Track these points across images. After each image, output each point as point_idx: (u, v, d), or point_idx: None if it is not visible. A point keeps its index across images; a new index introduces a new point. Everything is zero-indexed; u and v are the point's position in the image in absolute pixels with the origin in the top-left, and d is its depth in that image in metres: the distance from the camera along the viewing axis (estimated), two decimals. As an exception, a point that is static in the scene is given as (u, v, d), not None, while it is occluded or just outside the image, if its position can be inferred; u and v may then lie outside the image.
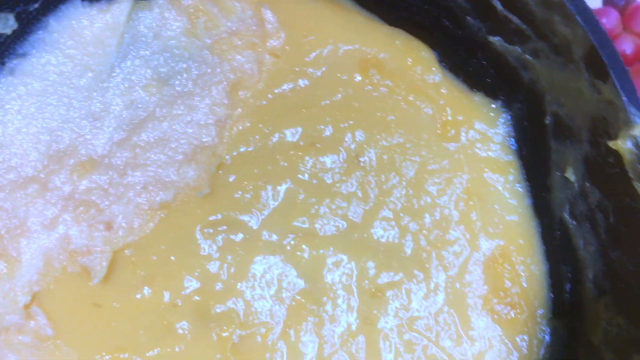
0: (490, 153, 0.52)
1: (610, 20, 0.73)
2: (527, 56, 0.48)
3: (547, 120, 0.50)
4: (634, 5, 0.73)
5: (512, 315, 0.50)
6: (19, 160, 0.47)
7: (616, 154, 0.45)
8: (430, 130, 0.49)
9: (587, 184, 0.49)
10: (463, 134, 0.51)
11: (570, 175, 0.50)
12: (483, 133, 0.51)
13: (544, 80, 0.48)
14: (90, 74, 0.48)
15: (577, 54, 0.44)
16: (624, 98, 0.42)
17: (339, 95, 0.50)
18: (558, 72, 0.47)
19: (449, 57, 0.55)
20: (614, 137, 0.44)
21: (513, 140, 0.53)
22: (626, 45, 0.72)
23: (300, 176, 0.49)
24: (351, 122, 0.49)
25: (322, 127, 0.49)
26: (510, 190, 0.52)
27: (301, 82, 0.49)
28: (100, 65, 0.48)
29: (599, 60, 0.42)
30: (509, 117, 0.53)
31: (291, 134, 0.49)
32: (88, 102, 0.48)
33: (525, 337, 0.51)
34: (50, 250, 0.47)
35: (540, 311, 0.53)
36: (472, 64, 0.53)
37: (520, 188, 0.52)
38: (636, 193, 0.44)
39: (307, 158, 0.49)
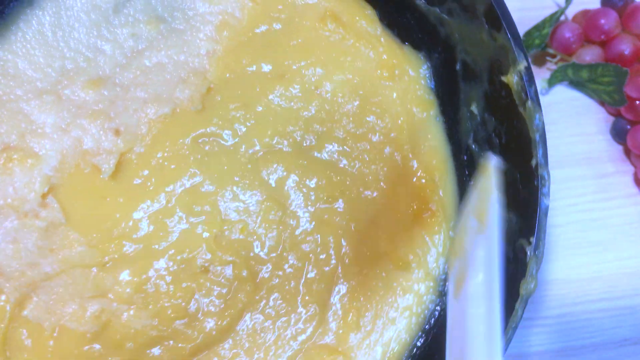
0: (417, 92, 0.66)
1: (608, 21, 0.73)
2: (444, 15, 0.63)
3: (457, 66, 0.65)
4: (632, 5, 0.74)
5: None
6: (35, 74, 0.56)
7: (507, 87, 0.60)
8: (373, 70, 0.63)
9: (486, 115, 0.64)
10: (397, 76, 0.65)
11: (474, 109, 0.65)
12: (411, 76, 0.66)
13: (456, 34, 0.63)
14: (97, 11, 0.57)
15: (479, 10, 0.59)
16: (512, 42, 0.58)
17: (303, 38, 0.62)
18: (466, 26, 0.61)
19: (386, 15, 0.68)
20: (505, 73, 0.59)
21: (433, 83, 0.68)
22: (625, 46, 0.73)
23: (271, 98, 0.61)
24: (313, 60, 0.61)
25: (290, 62, 0.61)
26: (431, 122, 0.67)
27: (274, 25, 0.61)
28: (107, 3, 0.58)
29: (495, 14, 0.58)
30: (429, 65, 0.67)
31: (265, 66, 0.61)
32: (96, 33, 0.57)
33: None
34: (66, 150, 0.56)
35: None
36: (402, 22, 0.67)
37: (438, 120, 0.67)
38: (520, 115, 0.60)
39: (277, 86, 0.61)
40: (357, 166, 0.63)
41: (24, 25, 0.56)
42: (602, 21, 0.74)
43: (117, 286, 0.56)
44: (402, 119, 0.64)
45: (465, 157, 0.67)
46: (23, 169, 0.54)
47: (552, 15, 0.77)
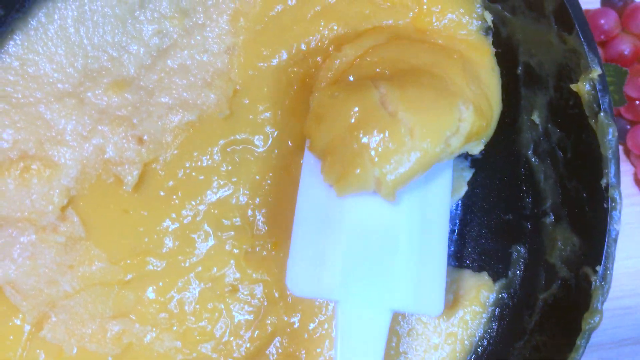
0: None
1: (608, 21, 0.73)
2: (506, 13, 0.57)
3: (519, 70, 0.58)
4: (632, 5, 0.74)
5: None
6: (58, 75, 0.52)
7: (576, 96, 0.53)
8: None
9: (550, 125, 0.57)
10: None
11: (536, 118, 0.58)
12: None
13: (519, 34, 0.56)
14: (124, 5, 0.53)
15: (548, 9, 0.52)
16: (585, 46, 0.51)
17: (319, 7, 0.55)
18: (531, 26, 0.55)
19: None
20: (575, 81, 0.53)
21: (489, 86, 0.61)
22: (624, 46, 0.73)
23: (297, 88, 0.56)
24: (334, 26, 0.55)
25: (310, 37, 0.55)
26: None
27: (289, 2, 0.55)
28: (132, -4, 0.53)
29: (567, 14, 0.51)
30: (486, 67, 0.61)
31: (287, 52, 0.55)
32: (121, 29, 0.53)
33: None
34: (87, 159, 0.52)
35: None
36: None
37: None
38: (591, 129, 0.53)
39: (301, 71, 0.55)
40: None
41: (46, 19, 0.52)
42: (602, 21, 0.73)
43: (139, 305, 0.52)
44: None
45: (522, 171, 0.60)
46: (41, 180, 0.50)
47: None
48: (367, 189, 0.47)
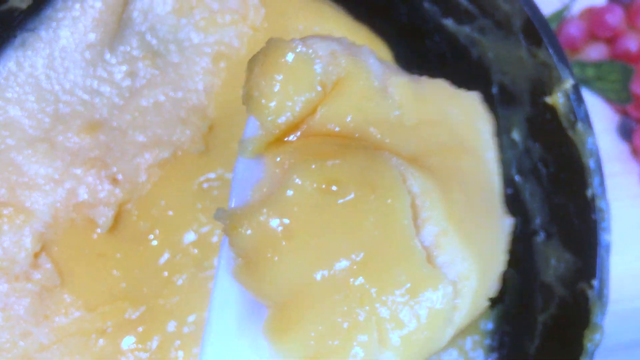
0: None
1: (614, 18, 0.72)
2: (475, 34, 0.57)
3: (494, 89, 0.58)
4: (638, 2, 0.74)
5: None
6: (29, 122, 0.51)
7: (552, 109, 0.53)
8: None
9: (529, 141, 0.57)
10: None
11: (515, 136, 0.58)
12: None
13: (490, 53, 0.57)
14: (93, 49, 0.53)
15: (515, 25, 0.53)
16: (555, 58, 0.51)
17: None
18: (501, 44, 0.55)
19: (403, 56, 0.63)
20: (549, 94, 0.53)
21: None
22: (631, 43, 0.72)
23: None
24: None
25: None
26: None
27: None
28: (102, 41, 0.53)
29: (534, 28, 0.51)
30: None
31: None
32: (92, 73, 0.53)
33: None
34: (59, 202, 0.50)
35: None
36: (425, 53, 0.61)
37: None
38: (570, 140, 0.52)
39: None
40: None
41: (16, 67, 0.52)
42: (608, 17, 0.73)
43: (119, 355, 0.50)
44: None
45: (510, 191, 0.59)
46: (12, 227, 0.49)
47: (557, 13, 0.75)
48: None
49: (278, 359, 0.30)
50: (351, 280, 0.28)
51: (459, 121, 0.33)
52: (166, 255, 0.52)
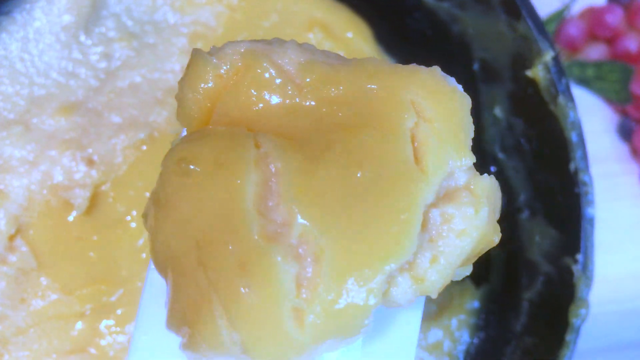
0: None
1: (614, 18, 0.72)
2: (455, 10, 0.56)
3: (475, 66, 0.57)
4: (638, 2, 0.74)
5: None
6: (3, 104, 0.51)
7: (533, 83, 0.52)
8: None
9: (512, 118, 0.56)
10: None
11: (498, 112, 0.57)
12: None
13: (471, 29, 0.56)
14: (67, 32, 0.52)
15: (495, 0, 0.52)
16: (535, 31, 0.50)
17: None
18: (481, 19, 0.54)
19: (384, 36, 0.62)
20: (530, 67, 0.52)
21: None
22: (631, 43, 0.72)
23: None
24: None
25: None
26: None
27: (255, 33, 0.55)
28: (77, 23, 0.52)
29: (512, 2, 0.51)
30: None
31: None
32: (67, 55, 0.52)
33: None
34: (34, 185, 0.50)
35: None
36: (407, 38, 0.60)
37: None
38: (553, 115, 0.52)
39: None
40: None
41: (-11, 52, 0.51)
42: (608, 17, 0.73)
43: (98, 338, 0.49)
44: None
45: (493, 169, 0.59)
46: (-12, 211, 0.49)
47: (557, 13, 0.74)
48: (231, 355, 0.29)
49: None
50: (195, 258, 0.29)
51: (378, 97, 0.32)
52: (144, 237, 0.51)
